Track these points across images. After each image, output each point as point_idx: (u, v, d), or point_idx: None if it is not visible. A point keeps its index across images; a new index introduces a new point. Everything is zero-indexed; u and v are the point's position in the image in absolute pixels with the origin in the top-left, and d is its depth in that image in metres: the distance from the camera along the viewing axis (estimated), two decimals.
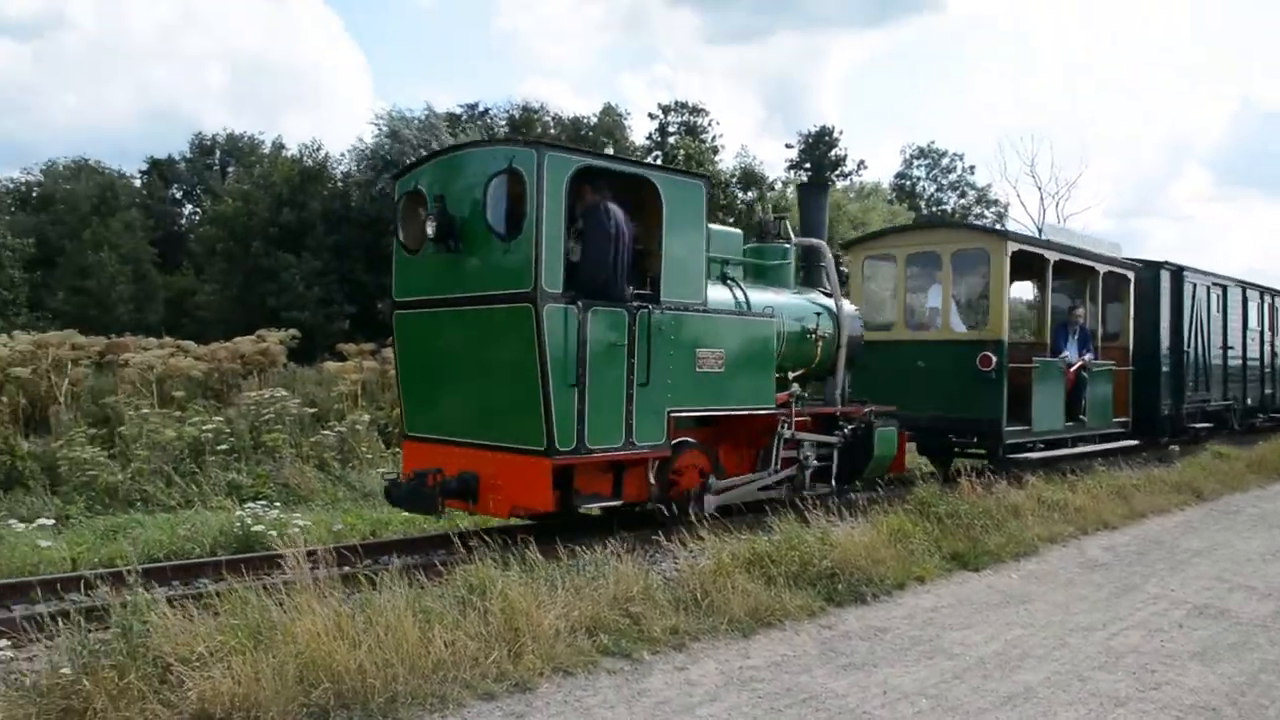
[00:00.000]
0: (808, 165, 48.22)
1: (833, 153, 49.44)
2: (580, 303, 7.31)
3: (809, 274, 10.65)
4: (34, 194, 36.06)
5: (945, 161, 55.50)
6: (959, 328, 12.74)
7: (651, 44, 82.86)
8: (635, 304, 7.72)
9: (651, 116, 41.97)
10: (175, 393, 13.30)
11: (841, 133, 51.05)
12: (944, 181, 55.26)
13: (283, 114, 77.63)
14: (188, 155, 44.71)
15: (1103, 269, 14.10)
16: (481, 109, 36.43)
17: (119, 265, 29.96)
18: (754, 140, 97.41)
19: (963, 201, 53.36)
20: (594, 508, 8.16)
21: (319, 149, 35.48)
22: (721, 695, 5.30)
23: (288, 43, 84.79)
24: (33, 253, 28.17)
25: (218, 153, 44.76)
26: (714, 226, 9.25)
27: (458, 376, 8.04)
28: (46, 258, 30.34)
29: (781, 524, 7.89)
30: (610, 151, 33.54)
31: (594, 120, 36.74)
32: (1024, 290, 17.20)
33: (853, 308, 10.85)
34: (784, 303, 9.70)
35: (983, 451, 12.48)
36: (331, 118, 75.49)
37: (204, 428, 11.11)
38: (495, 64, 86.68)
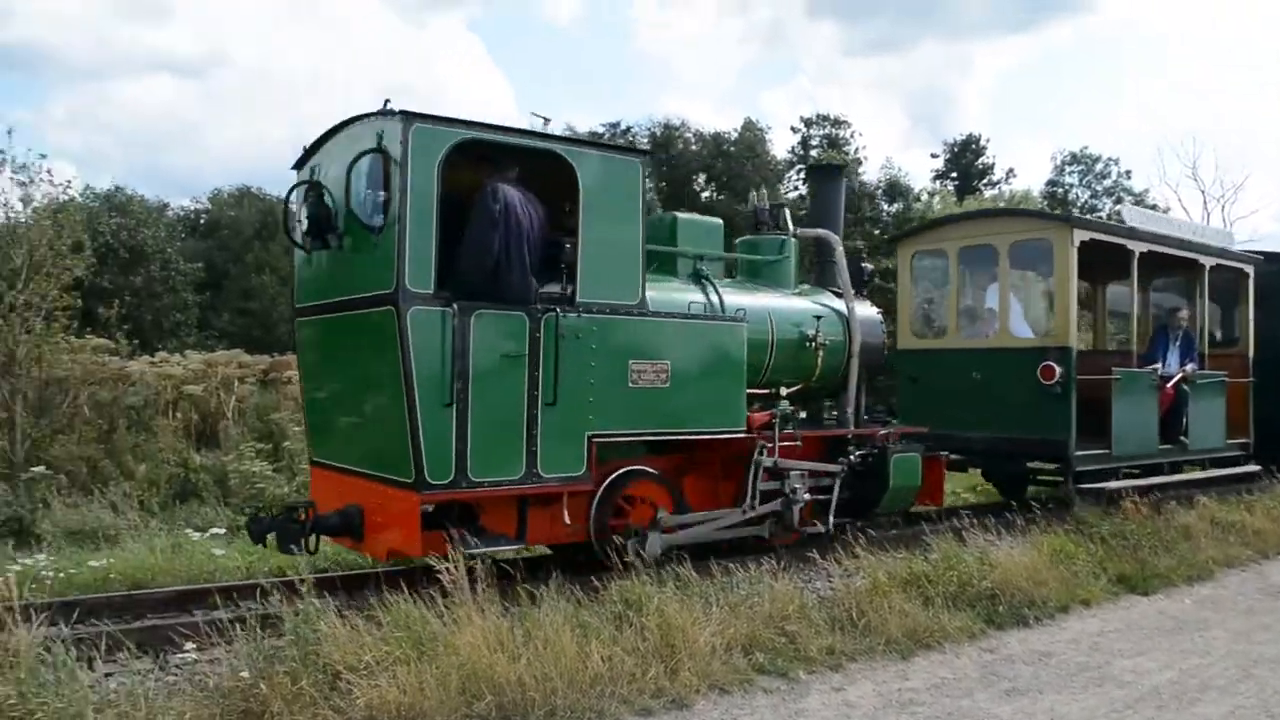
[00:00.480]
0: (954, 175, 47.06)
1: (980, 161, 48.03)
2: (458, 305, 6.11)
3: (823, 272, 9.27)
4: (201, 221, 38.09)
5: (1099, 167, 53.23)
6: (1022, 333, 10.87)
7: (791, 57, 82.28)
8: (541, 306, 6.44)
9: (794, 130, 41.56)
10: None
11: (989, 140, 49.37)
12: (1098, 188, 52.94)
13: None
14: None
15: (1209, 262, 12.00)
16: (623, 127, 36.95)
17: (279, 287, 31.45)
18: (898, 151, 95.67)
19: (1118, 208, 50.96)
20: (490, 552, 6.28)
21: None
22: (880, 717, 5.17)
23: (431, 67, 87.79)
24: (202, 277, 29.85)
25: None
26: (685, 215, 8.42)
27: (342, 394, 7.05)
28: (214, 281, 32.04)
29: (940, 543, 7.63)
30: (748, 168, 33.29)
31: (735, 135, 36.72)
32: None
33: (872, 311, 9.29)
34: (773, 305, 8.34)
35: (1061, 479, 10.56)
36: None
37: None
38: (635, 82, 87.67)
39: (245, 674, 4.66)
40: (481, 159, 6.64)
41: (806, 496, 7.99)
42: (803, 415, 8.44)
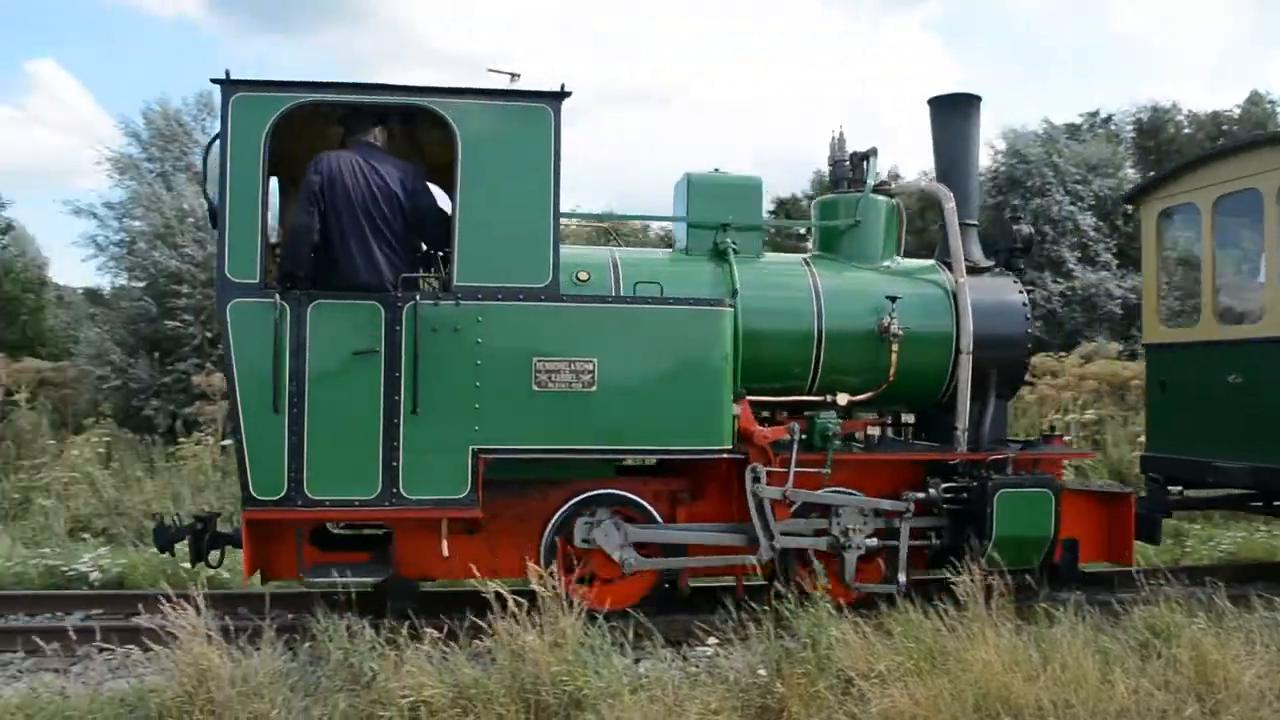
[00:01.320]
0: None
1: None
2: (297, 295, 5.39)
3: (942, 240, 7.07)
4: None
5: None
6: None
7: None
8: (402, 294, 5.49)
9: None
10: None
11: None
12: None
13: (888, 144, 79.89)
14: (809, 194, 48.19)
15: None
16: (1103, 115, 34.04)
17: None
18: None
19: None
20: (345, 582, 5.50)
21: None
22: None
23: (890, 72, 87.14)
24: None
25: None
26: (703, 174, 6.73)
27: None
28: None
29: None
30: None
31: (1237, 113, 32.27)
32: None
33: (1005, 292, 6.86)
34: (827, 284, 6.51)
35: None
36: None
37: None
38: (1110, 67, 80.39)
39: (762, 672, 4.90)
40: (324, 121, 5.94)
41: (870, 542, 6.28)
42: (873, 433, 6.89)
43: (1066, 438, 7.77)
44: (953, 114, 7.11)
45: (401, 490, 5.43)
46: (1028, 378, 7.45)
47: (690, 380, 5.78)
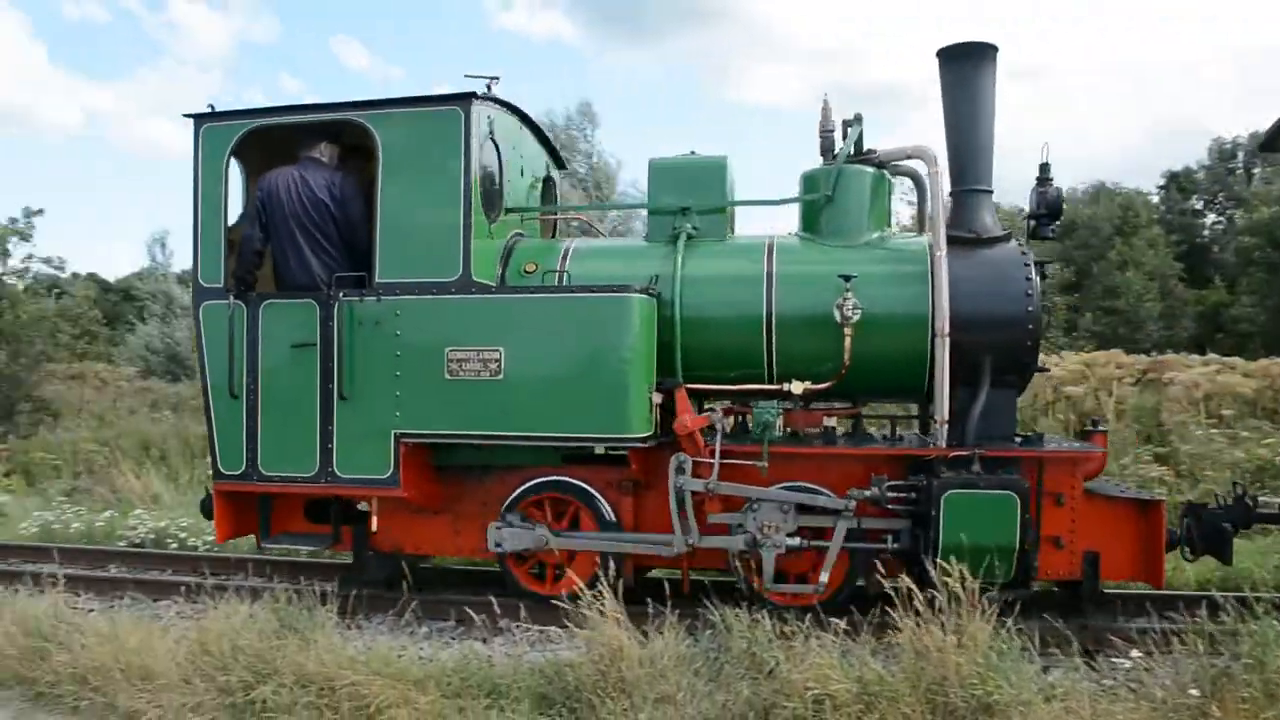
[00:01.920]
0: None
1: None
2: (251, 296, 6.25)
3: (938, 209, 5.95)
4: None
5: None
6: None
7: None
8: (333, 292, 6.02)
9: None
10: (1224, 411, 12.71)
11: None
12: None
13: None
14: (1206, 164, 42.96)
15: None
16: None
17: (1145, 283, 30.12)
18: None
19: None
20: (291, 547, 6.90)
21: None
22: None
23: None
24: (1070, 280, 30.02)
25: (1239, 156, 41.92)
26: (663, 159, 6.62)
27: None
28: (1076, 281, 31.92)
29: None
30: None
31: None
32: None
33: (1013, 260, 6.05)
34: (783, 269, 6.16)
35: None
36: None
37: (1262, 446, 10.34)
38: None
39: (1194, 692, 4.44)
40: (353, 148, 6.64)
41: (790, 541, 5.88)
42: (830, 424, 6.27)
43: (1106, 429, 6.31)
44: (963, 65, 6.25)
45: (335, 469, 6.09)
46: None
47: (597, 368, 5.80)
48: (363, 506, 6.56)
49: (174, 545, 8.79)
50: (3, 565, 7.97)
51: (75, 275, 31.58)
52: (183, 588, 6.72)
